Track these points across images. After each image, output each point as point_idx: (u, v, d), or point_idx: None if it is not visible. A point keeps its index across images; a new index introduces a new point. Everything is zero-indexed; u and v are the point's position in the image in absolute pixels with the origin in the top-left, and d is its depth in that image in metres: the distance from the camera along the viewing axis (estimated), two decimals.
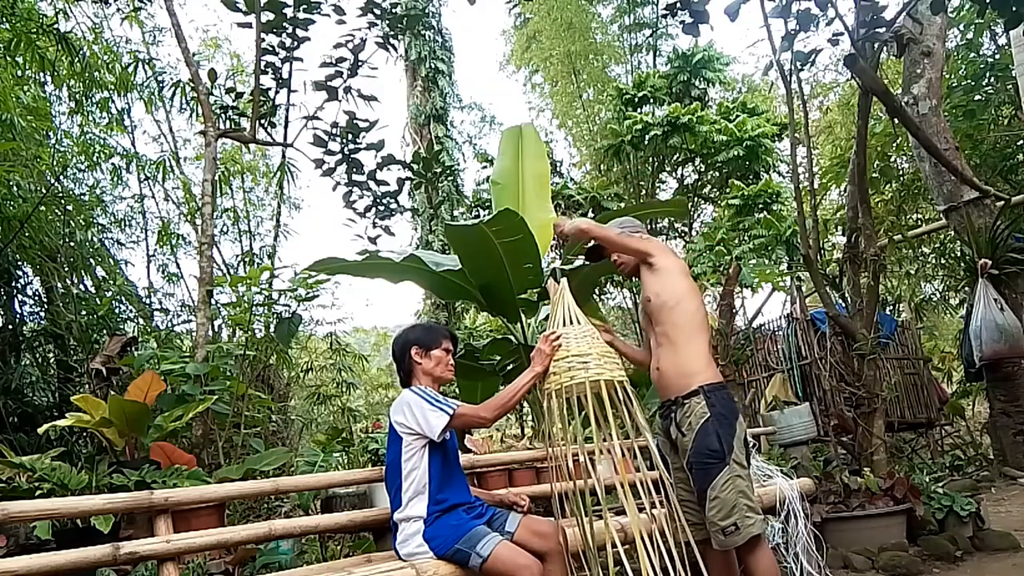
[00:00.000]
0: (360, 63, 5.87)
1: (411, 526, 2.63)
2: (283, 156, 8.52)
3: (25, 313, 6.64)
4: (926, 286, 11.98)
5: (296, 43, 5.56)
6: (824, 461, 5.33)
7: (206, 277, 5.03)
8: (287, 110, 5.85)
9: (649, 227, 10.44)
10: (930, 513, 4.23)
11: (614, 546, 2.38)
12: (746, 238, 9.71)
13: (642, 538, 2.37)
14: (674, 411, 2.72)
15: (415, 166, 6.49)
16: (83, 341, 6.00)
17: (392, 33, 6.05)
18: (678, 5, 4.51)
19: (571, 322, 2.68)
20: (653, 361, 2.84)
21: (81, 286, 6.82)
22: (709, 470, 2.60)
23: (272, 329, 5.29)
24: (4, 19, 6.30)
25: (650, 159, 12.04)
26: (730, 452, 2.62)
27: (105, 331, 6.20)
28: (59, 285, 6.28)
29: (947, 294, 11.79)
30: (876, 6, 4.70)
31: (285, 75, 5.71)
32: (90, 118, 8.19)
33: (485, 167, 12.40)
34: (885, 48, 6.57)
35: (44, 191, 6.30)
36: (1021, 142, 9.27)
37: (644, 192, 12.45)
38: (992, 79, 8.96)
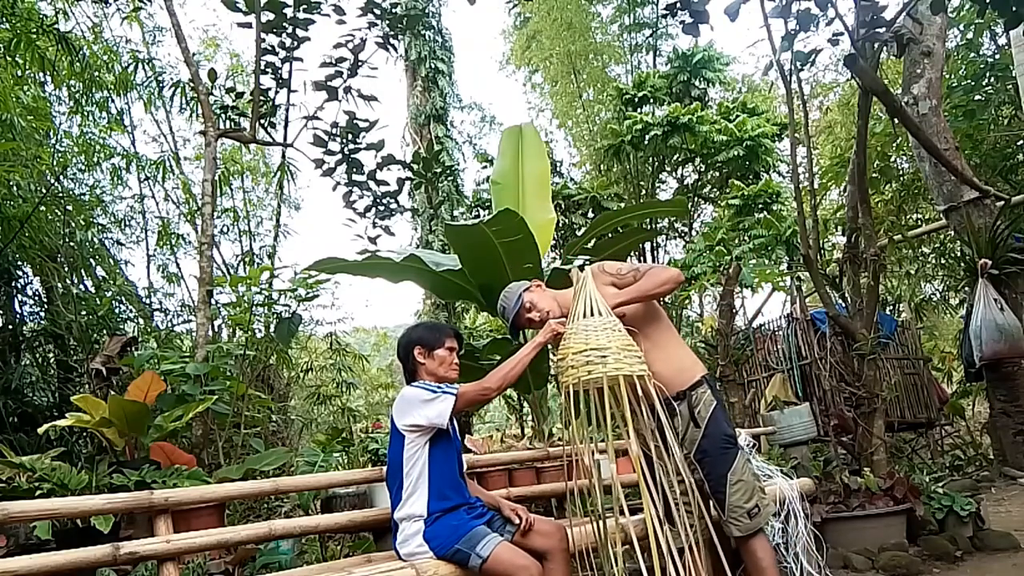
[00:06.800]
0: (360, 63, 5.87)
1: (411, 526, 2.63)
2: (283, 156, 8.53)
3: (25, 313, 6.65)
4: (926, 286, 11.97)
5: (296, 43, 5.56)
6: (824, 461, 5.32)
7: (206, 277, 5.03)
8: (287, 110, 5.86)
9: (649, 227, 10.49)
10: (930, 513, 4.23)
11: (626, 544, 2.36)
12: (746, 238, 9.71)
13: (663, 536, 2.34)
14: (680, 405, 2.73)
15: (415, 166, 6.49)
16: (83, 341, 6.00)
17: (392, 33, 6.05)
18: (678, 5, 4.50)
19: (592, 313, 2.58)
20: None
21: (81, 286, 6.82)
22: (727, 455, 2.67)
23: (272, 329, 5.29)
24: (4, 19, 6.29)
25: (650, 159, 12.04)
26: (736, 436, 2.73)
27: (105, 331, 6.20)
28: (59, 285, 6.28)
29: (947, 294, 11.78)
30: (876, 6, 4.69)
31: (285, 75, 5.71)
32: (90, 118, 8.19)
33: (485, 167, 12.41)
34: (885, 48, 6.56)
35: (44, 191, 6.30)
36: (1021, 142, 9.27)
37: (644, 192, 12.46)
38: (992, 79, 8.95)
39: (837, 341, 6.25)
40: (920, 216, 11.00)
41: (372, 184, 6.26)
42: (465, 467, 2.96)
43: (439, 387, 2.68)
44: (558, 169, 12.76)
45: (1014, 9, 4.07)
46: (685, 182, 13.08)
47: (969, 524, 4.21)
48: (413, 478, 2.64)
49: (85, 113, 8.10)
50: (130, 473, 3.22)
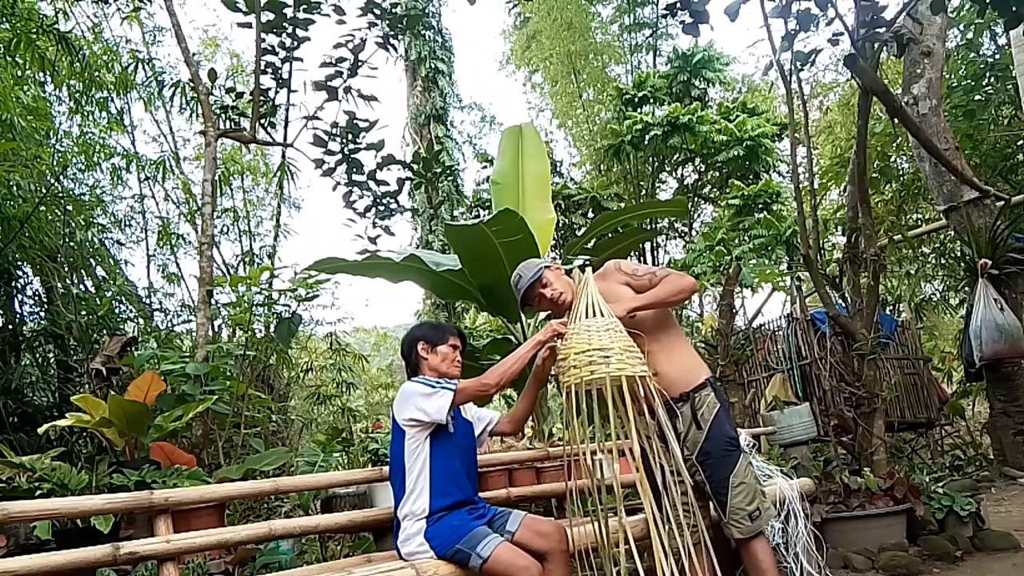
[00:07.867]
0: (360, 63, 5.87)
1: (413, 525, 2.63)
2: (283, 156, 8.53)
3: (25, 313, 6.65)
4: (926, 286, 11.96)
5: (296, 43, 5.56)
6: (824, 461, 5.32)
7: (206, 277, 5.03)
8: (287, 110, 5.86)
9: (649, 227, 10.49)
10: (930, 513, 4.22)
11: (627, 544, 2.36)
12: (746, 238, 9.72)
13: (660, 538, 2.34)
14: (682, 407, 2.73)
15: (415, 166, 6.49)
16: (83, 341, 6.00)
17: (392, 33, 6.05)
18: (678, 5, 4.50)
19: (594, 314, 2.58)
20: None
21: (81, 286, 6.82)
22: (730, 458, 2.67)
23: (272, 329, 5.29)
24: (4, 19, 6.29)
25: (650, 159, 12.06)
26: (739, 439, 2.73)
27: (105, 331, 6.20)
28: (59, 285, 6.28)
29: (947, 294, 11.78)
30: (876, 6, 4.69)
31: (285, 75, 5.71)
32: (90, 118, 8.19)
33: (485, 167, 12.42)
34: (885, 48, 6.56)
35: (44, 191, 6.30)
36: (1021, 142, 9.27)
37: (644, 192, 12.47)
38: (992, 79, 8.96)
39: (837, 341, 6.25)
40: (920, 216, 11.00)
41: (372, 184, 6.27)
42: (477, 466, 2.96)
43: (438, 382, 2.69)
44: (558, 169, 12.77)
45: (1014, 9, 4.07)
46: (685, 182, 13.10)
47: (969, 524, 4.21)
48: (415, 474, 2.65)
49: (85, 113, 8.10)
50: (130, 473, 3.21)
